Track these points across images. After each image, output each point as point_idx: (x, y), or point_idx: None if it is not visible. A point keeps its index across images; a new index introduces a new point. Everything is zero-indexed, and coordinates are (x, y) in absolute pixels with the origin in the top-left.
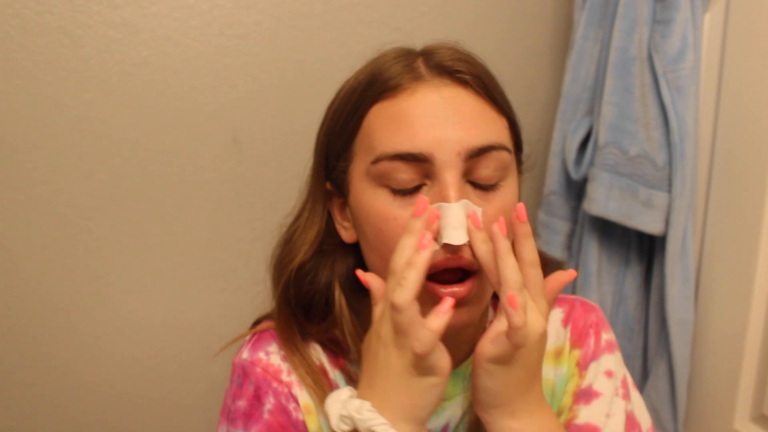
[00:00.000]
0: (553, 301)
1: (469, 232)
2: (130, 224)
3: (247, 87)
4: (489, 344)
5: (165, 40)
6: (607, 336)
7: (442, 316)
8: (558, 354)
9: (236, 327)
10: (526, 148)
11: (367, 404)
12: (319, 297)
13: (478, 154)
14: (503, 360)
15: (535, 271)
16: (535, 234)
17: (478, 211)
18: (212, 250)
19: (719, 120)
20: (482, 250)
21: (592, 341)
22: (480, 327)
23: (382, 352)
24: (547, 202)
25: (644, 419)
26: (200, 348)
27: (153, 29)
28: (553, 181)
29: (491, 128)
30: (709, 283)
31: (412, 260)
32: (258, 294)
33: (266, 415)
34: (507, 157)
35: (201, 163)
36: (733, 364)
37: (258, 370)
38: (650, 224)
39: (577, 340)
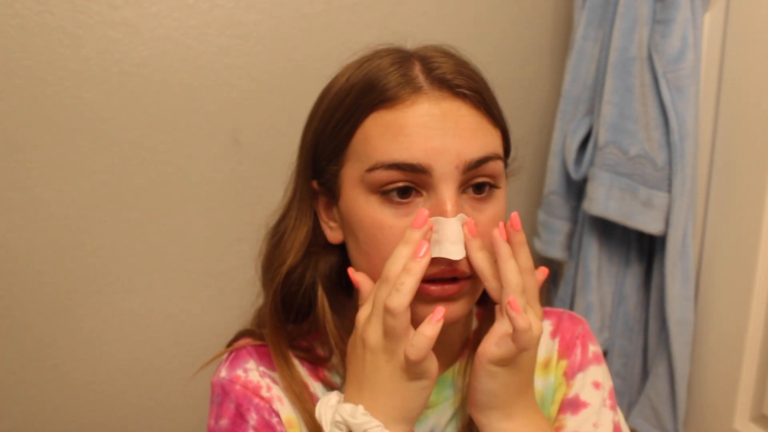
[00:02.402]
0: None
1: (465, 240)
2: (130, 224)
3: (247, 87)
4: (493, 346)
5: (165, 40)
6: (594, 348)
7: (435, 323)
8: (546, 365)
9: (236, 327)
10: (513, 151)
11: (360, 408)
12: (303, 299)
13: (475, 166)
14: (507, 362)
15: (531, 278)
16: (536, 234)
17: (469, 220)
18: (212, 250)
19: (719, 120)
20: (478, 257)
21: (578, 352)
22: (463, 334)
23: (370, 357)
24: (547, 202)
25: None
26: (200, 348)
27: (153, 29)
28: (553, 181)
29: (488, 140)
30: (709, 283)
31: (408, 267)
32: (258, 294)
33: (250, 431)
34: (501, 167)
35: (201, 163)
36: (733, 363)
37: (237, 387)
38: (650, 224)
39: (564, 351)
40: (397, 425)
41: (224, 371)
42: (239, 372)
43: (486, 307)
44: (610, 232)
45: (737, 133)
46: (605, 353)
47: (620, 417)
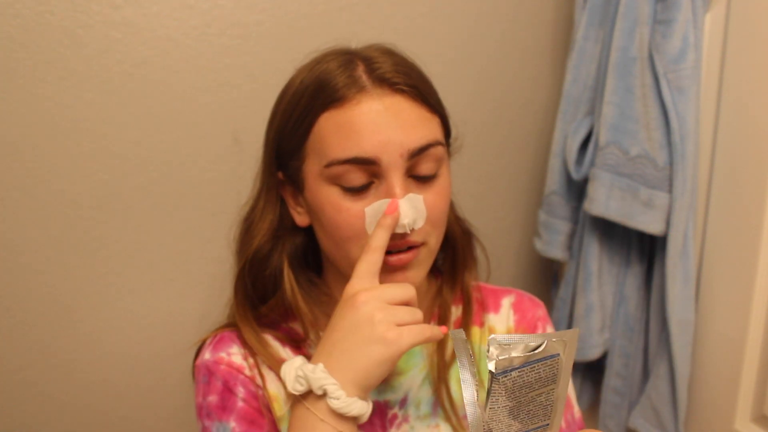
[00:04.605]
0: None
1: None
2: (131, 224)
3: (248, 87)
4: None
5: (166, 40)
6: (551, 330)
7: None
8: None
9: None
10: (454, 131)
11: (320, 366)
12: (271, 279)
13: (417, 153)
14: None
15: None
16: (536, 234)
17: (420, 198)
18: (212, 250)
19: (720, 120)
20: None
21: (540, 333)
22: (424, 304)
23: (365, 328)
24: (548, 202)
25: (577, 407)
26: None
27: (154, 29)
28: (554, 181)
29: (427, 129)
30: (709, 283)
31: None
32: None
33: (240, 403)
34: (441, 151)
35: (201, 163)
36: (733, 364)
37: (222, 367)
38: (651, 224)
39: (526, 330)
40: (353, 388)
41: (208, 354)
42: (222, 354)
43: (445, 278)
44: (610, 232)
45: (738, 133)
46: (606, 353)
47: (571, 391)
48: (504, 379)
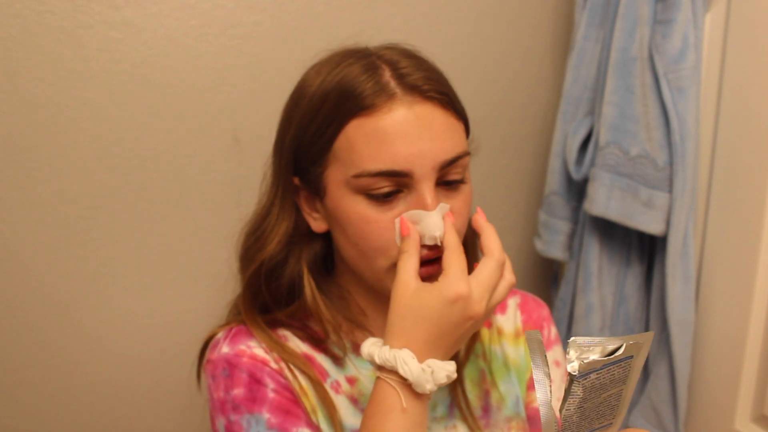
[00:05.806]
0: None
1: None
2: (131, 224)
3: (248, 87)
4: None
5: (166, 40)
6: (555, 330)
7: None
8: (517, 335)
9: None
10: (471, 134)
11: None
12: (289, 285)
13: (448, 164)
14: None
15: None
16: (536, 234)
17: (447, 207)
18: (212, 250)
19: (720, 120)
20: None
21: (545, 333)
22: None
23: (467, 322)
24: (548, 203)
25: None
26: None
27: (154, 29)
28: (554, 181)
29: (456, 139)
30: (710, 284)
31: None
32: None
33: (271, 394)
34: (467, 159)
35: (201, 163)
36: (733, 364)
37: (245, 359)
38: (651, 224)
39: (533, 329)
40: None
41: (226, 347)
42: (242, 347)
43: None
44: (611, 232)
45: (738, 133)
46: None
47: None
48: (584, 381)
